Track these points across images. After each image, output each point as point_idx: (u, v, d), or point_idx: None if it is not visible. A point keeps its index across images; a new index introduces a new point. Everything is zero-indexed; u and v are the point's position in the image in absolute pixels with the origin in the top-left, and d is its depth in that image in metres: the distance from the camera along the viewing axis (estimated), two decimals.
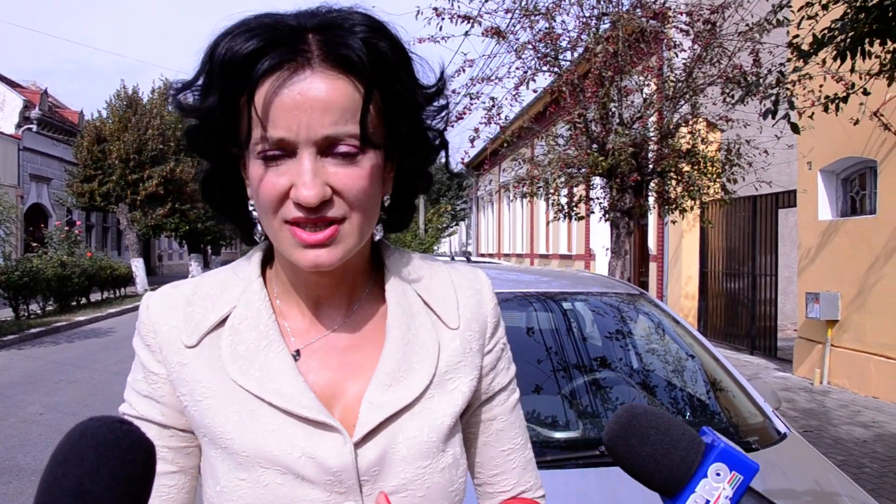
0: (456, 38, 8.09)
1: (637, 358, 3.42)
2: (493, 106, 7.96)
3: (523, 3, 7.70)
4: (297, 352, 0.95)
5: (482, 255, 30.38)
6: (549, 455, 2.36)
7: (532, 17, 7.68)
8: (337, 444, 0.89)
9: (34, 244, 19.02)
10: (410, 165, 0.97)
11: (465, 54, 11.51)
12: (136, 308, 19.27)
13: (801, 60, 4.33)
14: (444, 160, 1.03)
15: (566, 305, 3.42)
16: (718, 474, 0.77)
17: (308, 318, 0.98)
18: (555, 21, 7.71)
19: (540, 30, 7.73)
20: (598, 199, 8.72)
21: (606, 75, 7.42)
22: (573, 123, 8.05)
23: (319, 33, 0.85)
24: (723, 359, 3.21)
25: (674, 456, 0.79)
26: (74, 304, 19.11)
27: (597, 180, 8.60)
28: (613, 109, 7.76)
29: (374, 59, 0.84)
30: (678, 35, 7.77)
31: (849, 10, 3.83)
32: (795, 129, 4.67)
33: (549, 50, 7.76)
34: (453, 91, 7.56)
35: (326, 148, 0.84)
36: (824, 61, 4.51)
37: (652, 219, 14.16)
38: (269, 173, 0.85)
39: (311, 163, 0.83)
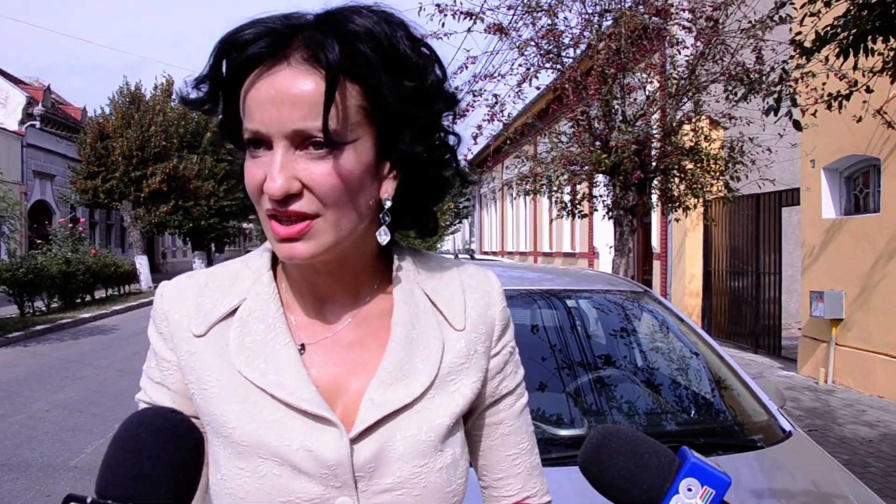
0: (458, 34, 8.10)
1: (641, 356, 3.43)
2: (496, 103, 7.97)
3: (526, 0, 7.69)
4: (303, 346, 0.96)
5: (485, 253, 30.39)
6: (553, 452, 2.36)
7: (535, 14, 7.69)
8: (334, 438, 0.90)
9: (38, 241, 19.05)
10: (414, 168, 0.95)
11: (468, 51, 11.53)
12: (140, 305, 19.50)
13: (804, 57, 4.32)
14: (456, 164, 1.01)
15: (570, 303, 3.43)
16: (690, 489, 0.78)
17: (314, 314, 0.99)
18: (557, 18, 7.72)
19: (542, 26, 7.73)
20: (601, 196, 8.72)
21: (609, 72, 7.42)
22: (576, 121, 8.06)
23: (310, 30, 0.85)
24: (727, 357, 3.21)
25: (645, 474, 0.80)
26: (79, 301, 19.15)
27: (600, 178, 8.59)
28: (616, 107, 7.76)
29: (350, 54, 0.84)
30: (681, 32, 7.76)
31: (851, 7, 3.82)
32: (798, 126, 4.66)
33: (551, 47, 7.75)
34: (456, 88, 7.55)
35: (300, 142, 0.85)
36: (827, 58, 4.50)
37: (655, 217, 14.15)
38: (251, 165, 0.88)
39: (282, 156, 0.84)
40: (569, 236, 21.44)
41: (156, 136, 25.38)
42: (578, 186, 9.01)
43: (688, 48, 7.70)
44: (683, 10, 7.63)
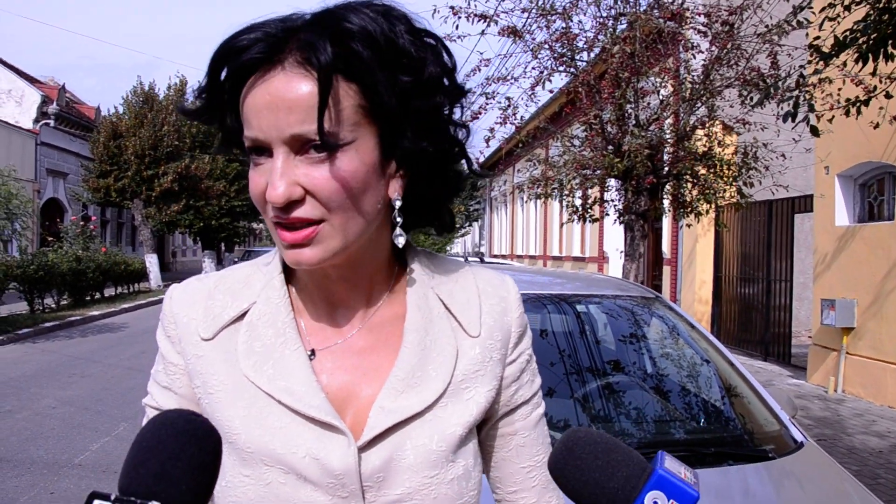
0: (472, 36, 8.07)
1: (651, 362, 3.38)
2: (509, 106, 7.95)
3: (540, 3, 7.66)
4: (313, 351, 0.94)
5: (495, 256, 30.35)
6: None
7: (549, 17, 7.65)
8: (342, 446, 0.87)
9: (50, 238, 19.17)
10: (421, 164, 0.91)
11: (482, 53, 11.51)
12: (149, 304, 19.57)
13: (822, 62, 4.27)
14: (467, 158, 0.98)
15: (581, 308, 3.39)
16: (656, 502, 0.74)
17: (325, 318, 0.96)
18: (571, 21, 7.68)
19: (556, 30, 7.70)
20: (612, 201, 8.67)
21: (623, 76, 7.37)
22: (589, 124, 8.02)
23: (304, 32, 0.83)
24: (739, 365, 3.16)
25: (612, 483, 0.75)
26: (88, 298, 19.22)
27: (612, 182, 8.54)
28: (630, 111, 7.72)
29: (343, 53, 0.81)
30: (696, 36, 7.71)
31: (871, 12, 3.78)
32: (815, 132, 4.61)
33: (565, 50, 7.72)
34: (468, 91, 7.54)
35: (300, 147, 0.82)
36: (845, 63, 4.45)
37: (666, 222, 14.06)
38: (254, 173, 0.86)
39: (282, 162, 0.82)
40: (579, 240, 21.39)
41: (168, 136, 25.53)
42: (590, 191, 8.97)
43: (702, 52, 7.65)
44: (699, 15, 7.59)
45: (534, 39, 7.83)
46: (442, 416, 0.91)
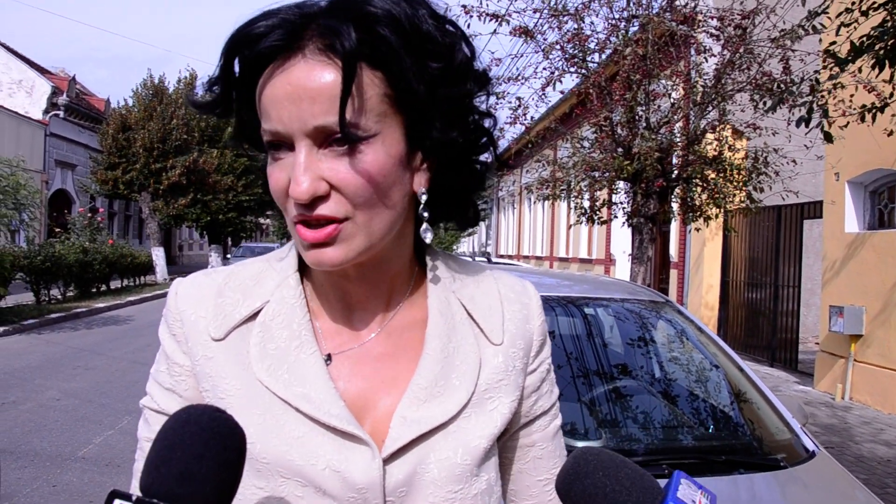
0: (483, 36, 8.04)
1: (660, 367, 3.35)
2: (519, 106, 7.92)
3: (552, 3, 7.63)
4: (328, 356, 0.89)
5: (501, 257, 30.31)
6: None
7: (561, 18, 7.62)
8: (365, 458, 0.82)
9: (57, 230, 19.19)
10: (449, 155, 0.87)
11: (493, 53, 11.48)
12: (155, 297, 19.58)
13: (838, 68, 4.23)
14: (494, 148, 0.93)
15: (588, 311, 3.36)
16: None
17: (341, 321, 0.91)
18: (583, 22, 7.65)
19: (568, 30, 7.67)
20: (620, 203, 8.63)
21: (634, 78, 7.33)
22: (599, 126, 7.98)
23: (324, 17, 0.78)
24: (749, 371, 3.13)
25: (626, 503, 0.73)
26: (94, 290, 19.27)
27: (621, 185, 8.51)
28: (640, 113, 7.68)
29: (368, 39, 0.77)
30: (708, 40, 7.67)
31: (889, 18, 3.74)
32: (829, 137, 4.58)
33: (576, 51, 7.69)
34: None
35: (323, 140, 0.78)
36: (860, 70, 4.41)
37: (674, 225, 14.03)
38: (273, 169, 0.81)
39: (305, 156, 0.77)
40: (586, 242, 21.35)
41: (177, 130, 25.61)
42: (598, 193, 8.93)
43: (714, 56, 7.61)
44: (711, 18, 7.54)
45: (545, 40, 7.80)
46: (466, 428, 0.87)
